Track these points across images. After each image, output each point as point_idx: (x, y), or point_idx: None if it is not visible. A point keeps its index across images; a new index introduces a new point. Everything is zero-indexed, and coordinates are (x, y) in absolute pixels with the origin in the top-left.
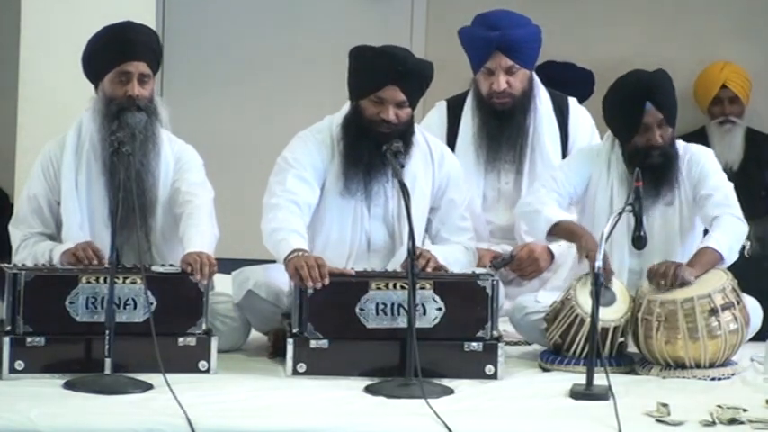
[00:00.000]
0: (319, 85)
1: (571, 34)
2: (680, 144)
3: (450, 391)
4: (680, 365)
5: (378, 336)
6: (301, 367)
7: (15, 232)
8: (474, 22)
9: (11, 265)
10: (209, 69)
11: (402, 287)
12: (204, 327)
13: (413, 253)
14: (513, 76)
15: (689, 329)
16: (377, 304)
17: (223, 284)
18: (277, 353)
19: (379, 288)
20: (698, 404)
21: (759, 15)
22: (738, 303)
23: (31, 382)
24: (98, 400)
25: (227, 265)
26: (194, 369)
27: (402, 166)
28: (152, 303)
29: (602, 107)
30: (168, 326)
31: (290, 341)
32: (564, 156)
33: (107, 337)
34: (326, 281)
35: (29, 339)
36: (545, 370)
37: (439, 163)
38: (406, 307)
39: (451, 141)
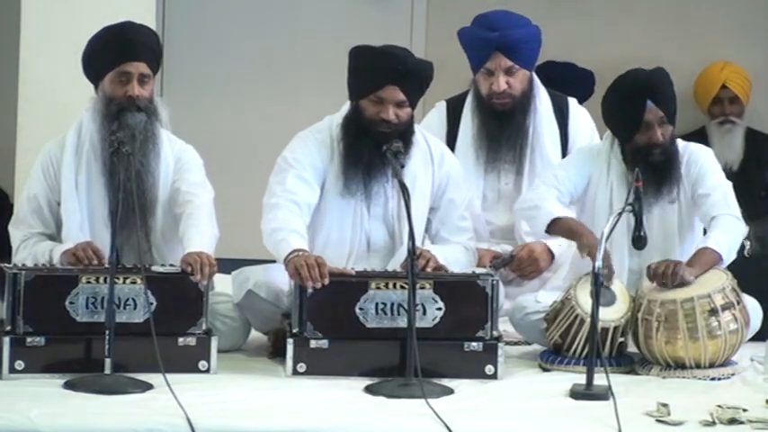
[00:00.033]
0: (319, 85)
1: (571, 34)
2: (679, 143)
3: (450, 391)
4: (680, 365)
5: (377, 336)
6: (301, 367)
7: (15, 232)
8: (473, 23)
9: (11, 265)
10: (209, 69)
11: (402, 287)
12: (204, 327)
13: (413, 253)
14: (512, 77)
15: (689, 329)
16: (376, 304)
17: (223, 284)
18: (277, 353)
19: (378, 288)
20: (698, 404)
21: (759, 15)
22: (738, 303)
23: (31, 382)
24: (98, 400)
25: (227, 265)
26: (194, 369)
27: (402, 166)
28: (152, 303)
29: (602, 107)
30: (168, 326)
31: (290, 341)
32: (564, 156)
33: (107, 337)
34: (326, 281)
35: (29, 339)
36: (545, 370)
37: (439, 163)
38: (405, 307)
39: (451, 142)
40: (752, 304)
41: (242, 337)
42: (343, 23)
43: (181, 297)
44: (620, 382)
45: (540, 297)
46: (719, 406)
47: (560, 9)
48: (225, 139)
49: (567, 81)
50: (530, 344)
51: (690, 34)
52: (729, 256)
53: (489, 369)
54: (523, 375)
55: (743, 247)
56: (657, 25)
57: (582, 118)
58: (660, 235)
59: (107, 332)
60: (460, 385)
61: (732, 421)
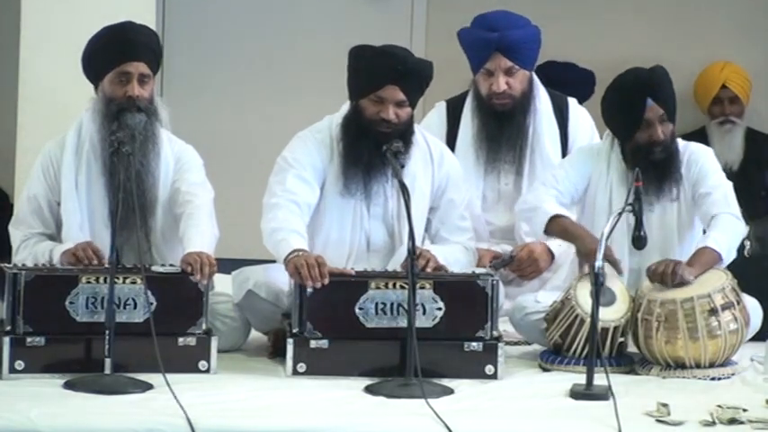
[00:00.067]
0: (319, 85)
1: (571, 34)
2: (680, 142)
3: (450, 391)
4: (680, 365)
5: (377, 335)
6: (301, 367)
7: (15, 233)
8: (473, 24)
9: (11, 265)
10: (209, 69)
11: (402, 287)
12: (204, 327)
13: (413, 253)
14: (512, 77)
15: (689, 329)
16: (376, 304)
17: (223, 284)
18: (277, 353)
19: (378, 288)
20: (698, 404)
21: (759, 15)
22: (738, 303)
23: (31, 382)
24: (98, 400)
25: (227, 265)
26: (194, 369)
27: (402, 166)
28: (152, 303)
29: (602, 107)
30: (168, 326)
31: (290, 341)
32: (564, 156)
33: (107, 337)
34: (326, 280)
35: (29, 339)
36: (545, 370)
37: (438, 163)
38: (405, 306)
39: (451, 142)
40: (752, 304)
41: (242, 337)
42: (343, 23)
43: (181, 297)
44: (620, 382)
45: (540, 297)
46: (719, 406)
47: (560, 9)
48: (225, 139)
49: (568, 81)
50: (530, 344)
51: (690, 34)
52: (729, 255)
53: (489, 369)
54: (523, 375)
55: (743, 247)
56: (657, 25)
57: (582, 118)
58: (660, 234)
59: (107, 332)
60: (460, 385)
61: (732, 421)
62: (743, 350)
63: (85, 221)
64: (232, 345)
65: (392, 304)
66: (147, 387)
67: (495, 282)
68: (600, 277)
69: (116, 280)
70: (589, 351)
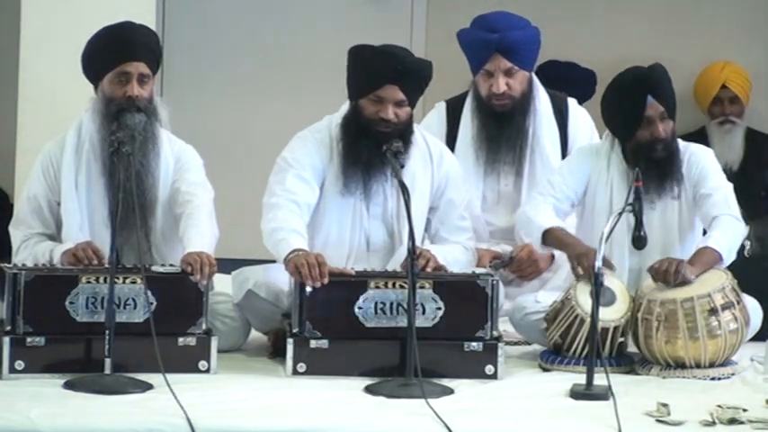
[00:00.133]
0: (319, 84)
1: (571, 35)
2: (680, 143)
3: (450, 391)
4: (680, 365)
5: (377, 335)
6: (301, 367)
7: (15, 233)
8: (473, 25)
9: (11, 265)
10: (209, 69)
11: (401, 286)
12: (204, 327)
13: (413, 253)
14: (512, 78)
15: (689, 329)
16: (375, 303)
17: (223, 284)
18: (277, 353)
19: (377, 287)
20: (698, 404)
21: (759, 15)
22: (738, 303)
23: (31, 382)
24: (98, 400)
25: (227, 265)
26: (194, 369)
27: (402, 166)
28: (152, 303)
29: (601, 106)
30: (168, 326)
31: (290, 341)
32: (564, 156)
33: (107, 337)
34: (325, 280)
35: (29, 339)
36: (545, 370)
37: (438, 162)
38: (404, 306)
39: (451, 143)
40: (752, 304)
41: (242, 337)
42: (343, 23)
43: (181, 297)
44: (620, 382)
45: (539, 297)
46: (719, 406)
47: (560, 9)
48: (225, 139)
49: (569, 80)
50: (530, 344)
51: (690, 34)
52: (729, 256)
53: (489, 369)
54: (523, 375)
55: (743, 247)
56: (657, 25)
57: (581, 118)
58: (661, 233)
59: (107, 332)
60: (460, 385)
61: (732, 421)
62: (743, 350)
63: (85, 221)
64: (232, 345)
65: (392, 304)
66: (147, 387)
67: (495, 282)
68: (600, 277)
69: (116, 280)
70: (589, 351)
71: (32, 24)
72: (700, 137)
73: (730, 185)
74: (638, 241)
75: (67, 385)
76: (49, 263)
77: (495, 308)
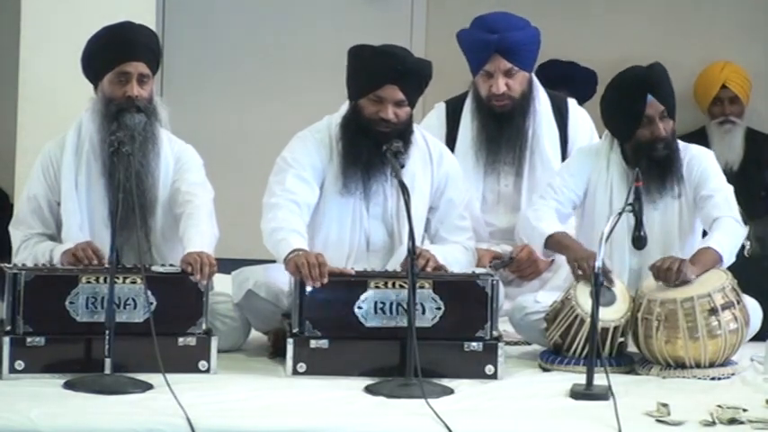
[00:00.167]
0: (319, 84)
1: (571, 35)
2: (680, 143)
3: (450, 391)
4: (680, 365)
5: (377, 335)
6: (301, 367)
7: (15, 233)
8: (472, 25)
9: (11, 265)
10: (209, 69)
11: (401, 286)
12: (204, 327)
13: (413, 253)
14: (512, 79)
15: (689, 329)
16: (375, 303)
17: (223, 284)
18: (277, 353)
19: (377, 287)
20: (698, 404)
21: (759, 15)
22: (738, 303)
23: (31, 382)
24: (98, 400)
25: (227, 265)
26: (194, 369)
27: (402, 166)
28: (152, 303)
29: (601, 107)
30: (168, 326)
31: (290, 341)
32: (564, 157)
33: (107, 337)
34: (325, 280)
35: (29, 339)
36: (545, 370)
37: (438, 162)
38: (404, 306)
39: (451, 143)
40: (752, 304)
41: (242, 337)
42: (343, 23)
43: (181, 297)
44: (620, 382)
45: (539, 297)
46: (719, 406)
47: (560, 9)
48: (225, 139)
49: (570, 80)
50: (530, 344)
51: (690, 34)
52: (730, 258)
53: (489, 369)
54: (523, 375)
55: (743, 247)
56: (658, 25)
57: (581, 119)
58: (661, 233)
59: (107, 332)
60: (460, 385)
61: (732, 421)
62: (743, 350)
63: (85, 221)
64: (232, 345)
65: (391, 303)
66: (147, 387)
67: (495, 282)
68: (600, 277)
69: (116, 280)
70: (589, 351)
71: (32, 24)
72: (700, 137)
73: (731, 187)
74: (639, 241)
75: (67, 385)
76: (49, 263)
77: (495, 308)
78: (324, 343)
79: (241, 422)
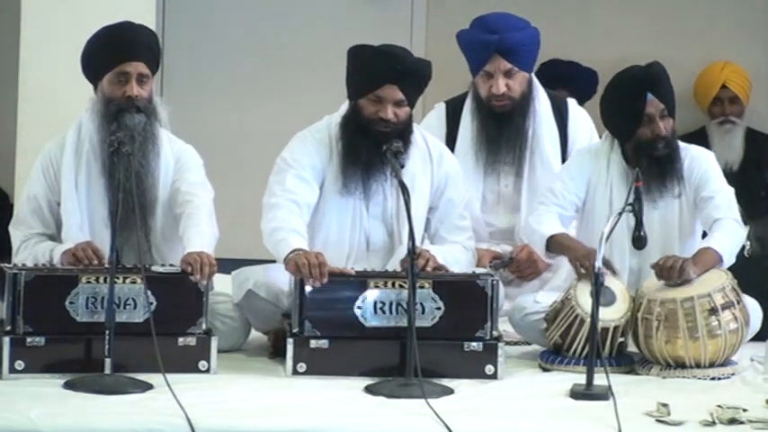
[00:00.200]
0: (319, 84)
1: (572, 35)
2: (680, 143)
3: (450, 391)
4: (680, 365)
5: (377, 335)
6: (301, 367)
7: (15, 233)
8: (472, 26)
9: (11, 265)
10: (209, 69)
11: (401, 286)
12: (204, 327)
13: (413, 252)
14: (511, 79)
15: (689, 329)
16: (375, 303)
17: (223, 284)
18: (277, 353)
19: (377, 287)
20: (698, 404)
21: (759, 15)
22: (738, 303)
23: (31, 382)
24: (98, 400)
25: (227, 265)
26: (194, 369)
27: (402, 166)
28: (152, 303)
29: (601, 107)
30: (168, 326)
31: (290, 341)
32: (564, 157)
33: (107, 337)
34: (325, 280)
35: (29, 339)
36: (545, 370)
37: (437, 162)
38: (404, 306)
39: (451, 143)
40: (752, 304)
41: (242, 337)
42: (343, 23)
43: (181, 297)
44: (620, 382)
45: (539, 297)
46: (719, 406)
47: (560, 9)
48: (225, 139)
49: (571, 79)
50: (530, 344)
51: (690, 34)
52: (730, 259)
53: (489, 369)
54: (523, 375)
55: (743, 247)
56: (658, 25)
57: (581, 119)
58: (661, 234)
59: (107, 332)
60: (460, 385)
61: (732, 421)
62: (743, 350)
63: (85, 221)
64: (232, 345)
65: (391, 303)
66: (147, 387)
67: (494, 282)
68: (600, 277)
69: (116, 280)
70: (589, 351)
71: (32, 24)
72: (700, 137)
73: (731, 189)
74: (639, 241)
75: (67, 385)
76: (49, 263)
77: (494, 308)
78: (324, 343)
79: (241, 422)
